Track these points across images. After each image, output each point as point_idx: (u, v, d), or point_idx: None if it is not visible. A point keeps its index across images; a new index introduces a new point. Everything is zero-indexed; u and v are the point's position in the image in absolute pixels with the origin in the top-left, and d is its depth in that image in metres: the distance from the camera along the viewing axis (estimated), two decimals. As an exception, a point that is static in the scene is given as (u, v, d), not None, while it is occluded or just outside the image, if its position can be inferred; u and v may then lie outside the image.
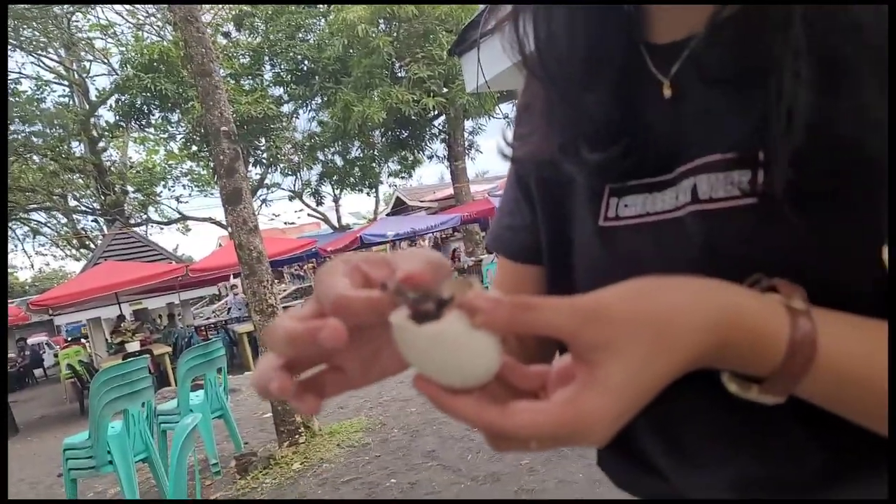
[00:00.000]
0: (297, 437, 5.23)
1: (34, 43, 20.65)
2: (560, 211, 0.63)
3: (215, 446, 5.19)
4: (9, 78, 21.68)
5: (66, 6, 19.71)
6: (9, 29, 19.50)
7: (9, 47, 20.34)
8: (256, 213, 5.73)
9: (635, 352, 0.36)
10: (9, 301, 22.85)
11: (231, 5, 19.59)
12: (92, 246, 23.24)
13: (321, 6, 19.49)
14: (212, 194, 23.79)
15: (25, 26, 19.58)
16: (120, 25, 21.19)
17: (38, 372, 20.96)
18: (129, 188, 22.96)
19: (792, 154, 0.43)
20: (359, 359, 0.44)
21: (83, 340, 18.04)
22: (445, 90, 15.58)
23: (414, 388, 0.39)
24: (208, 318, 19.05)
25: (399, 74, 16.39)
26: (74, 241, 25.25)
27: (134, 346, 10.74)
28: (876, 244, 0.42)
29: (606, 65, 0.55)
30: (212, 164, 19.77)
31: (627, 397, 0.36)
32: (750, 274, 0.46)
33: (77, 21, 21.01)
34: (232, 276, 17.56)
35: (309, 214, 25.95)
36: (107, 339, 14.16)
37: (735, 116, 0.48)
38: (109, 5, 20.04)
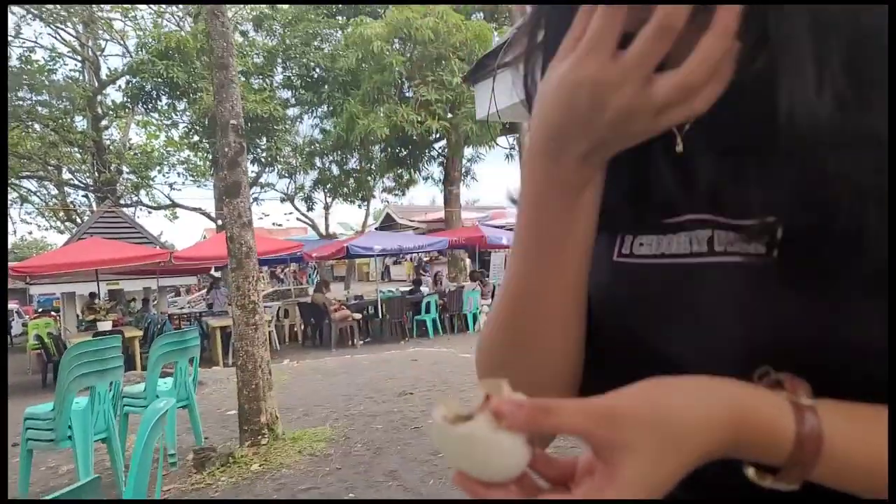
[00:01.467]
0: (259, 437, 5.22)
1: (54, 15, 20.71)
2: None
3: (175, 437, 5.16)
4: (23, 46, 21.68)
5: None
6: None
7: (29, 17, 20.40)
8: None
9: (647, 452, 0.39)
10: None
11: (254, 6, 19.81)
12: (78, 221, 23.06)
13: (340, 18, 19.75)
14: (205, 186, 23.77)
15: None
16: (141, 10, 21.30)
17: (2, 339, 20.60)
18: (125, 168, 22.90)
19: (807, 225, 0.45)
20: None
21: (53, 313, 17.81)
22: (450, 115, 15.78)
23: (452, 483, 0.43)
24: (182, 308, 18.89)
25: (407, 94, 16.58)
26: (62, 214, 25.05)
27: (106, 325, 10.66)
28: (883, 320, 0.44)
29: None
30: (210, 156, 19.83)
31: (642, 491, 0.39)
32: (754, 329, 0.48)
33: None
34: (213, 269, 17.48)
35: (298, 218, 25.98)
36: (78, 315, 14.00)
37: (746, 180, 0.49)
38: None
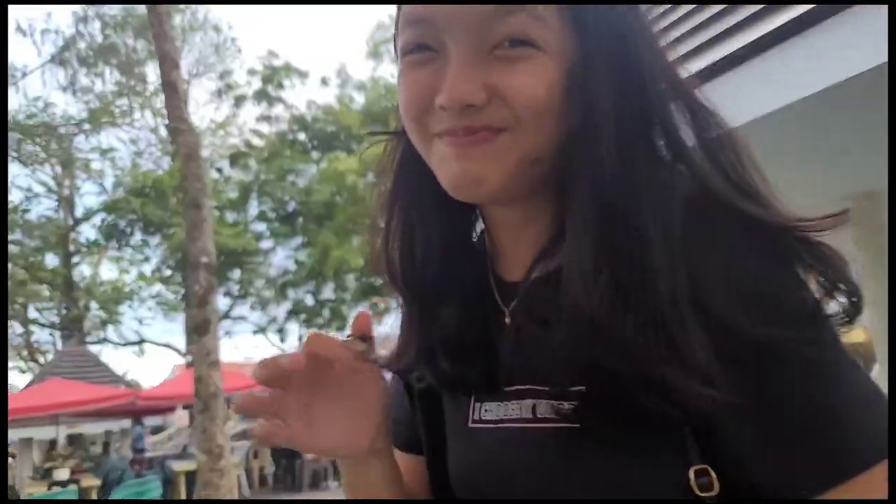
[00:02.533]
0: None
1: (33, 157, 21.25)
2: (434, 409, 0.72)
3: None
4: (-3, 185, 22.02)
5: (70, 128, 20.55)
6: (14, 142, 20.15)
7: (8, 159, 20.88)
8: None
9: None
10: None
11: (228, 143, 20.59)
12: (42, 360, 22.34)
13: (314, 153, 20.57)
14: (175, 321, 23.43)
15: (29, 141, 20.25)
16: (119, 150, 22.00)
17: (-52, 492, 19.16)
18: (94, 305, 22.58)
19: (609, 394, 0.51)
20: (300, 419, 0.62)
21: (9, 460, 16.75)
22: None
23: None
24: (144, 452, 17.93)
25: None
26: (25, 353, 24.28)
27: (63, 473, 10.04)
28: (683, 469, 0.50)
29: (458, 289, 0.65)
30: (181, 291, 19.76)
31: None
32: (568, 487, 0.55)
33: (80, 143, 21.84)
34: (180, 408, 16.83)
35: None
36: (34, 463, 13.20)
37: (560, 352, 0.53)
38: (109, 127, 20.91)
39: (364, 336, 0.65)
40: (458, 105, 0.53)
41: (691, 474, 0.50)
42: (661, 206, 0.52)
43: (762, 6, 2.02)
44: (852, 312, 0.53)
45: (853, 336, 0.56)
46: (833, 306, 0.53)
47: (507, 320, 0.63)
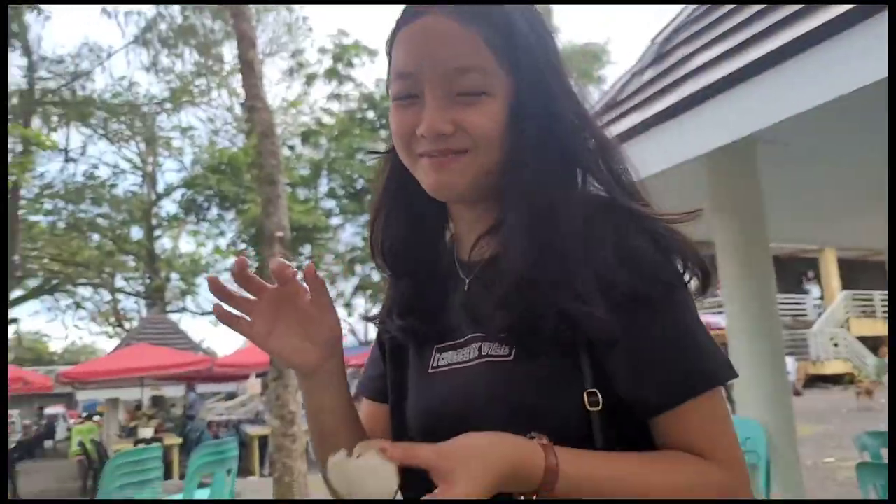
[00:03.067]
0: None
1: (119, 134, 22.39)
2: (400, 363, 0.92)
3: (210, 550, 5.07)
4: (88, 163, 23.36)
5: (153, 107, 21.48)
6: (101, 120, 21.28)
7: (96, 135, 22.10)
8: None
9: (466, 474, 0.63)
10: (36, 369, 23.17)
11: (303, 123, 21.04)
12: (128, 327, 23.74)
13: (383, 132, 20.80)
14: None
15: (115, 120, 21.34)
16: (197, 129, 22.86)
17: (47, 444, 20.75)
18: (174, 276, 23.74)
19: (532, 332, 0.73)
20: (264, 323, 0.81)
21: (97, 418, 17.97)
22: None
23: None
24: (221, 415, 18.85)
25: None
26: (113, 319, 25.84)
27: (147, 432, 10.72)
28: (580, 392, 0.72)
29: (428, 266, 0.90)
30: (255, 265, 20.46)
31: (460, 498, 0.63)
32: (507, 403, 0.76)
33: (161, 121, 22.84)
34: (253, 376, 17.58)
35: (339, 324, 26.11)
36: (120, 422, 14.12)
37: (501, 309, 0.75)
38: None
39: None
40: (433, 134, 0.76)
41: (584, 396, 0.72)
42: (572, 206, 0.75)
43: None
44: (703, 285, 0.77)
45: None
46: (693, 282, 0.76)
47: (466, 288, 0.86)
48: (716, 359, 0.73)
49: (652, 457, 0.72)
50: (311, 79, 21.51)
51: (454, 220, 0.92)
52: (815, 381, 17.78)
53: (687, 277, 0.76)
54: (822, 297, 20.67)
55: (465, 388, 0.81)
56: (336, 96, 21.50)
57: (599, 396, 0.72)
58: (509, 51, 0.76)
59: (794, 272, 21.10)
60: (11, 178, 15.46)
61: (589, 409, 0.72)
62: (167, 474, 10.02)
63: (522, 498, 0.68)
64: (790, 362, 14.17)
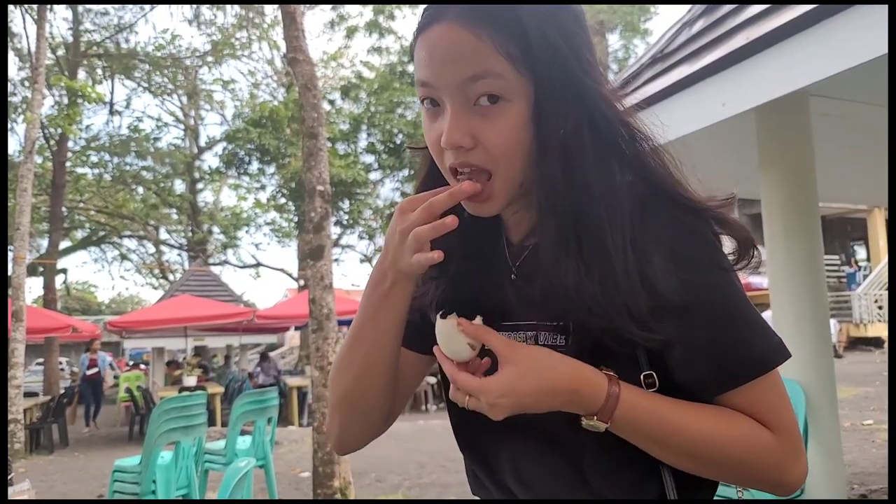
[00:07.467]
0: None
1: (162, 88, 22.55)
2: None
3: (252, 496, 5.17)
4: (132, 116, 23.64)
5: (195, 60, 21.50)
6: (144, 73, 21.43)
7: (140, 89, 22.30)
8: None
9: (520, 368, 0.71)
10: (84, 318, 23.98)
11: (343, 76, 20.86)
12: (171, 278, 24.34)
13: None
14: (288, 246, 24.64)
15: (158, 73, 21.47)
16: (238, 83, 22.85)
17: (96, 390, 21.59)
18: (216, 229, 24.14)
19: (583, 328, 0.75)
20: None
21: (143, 367, 18.61)
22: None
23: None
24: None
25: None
26: (157, 271, 26.53)
27: (191, 381, 11.02)
28: (637, 373, 0.76)
29: (476, 250, 0.90)
30: (295, 219, 20.70)
31: (509, 387, 0.70)
32: None
33: (203, 74, 22.89)
34: (293, 329, 17.90)
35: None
36: (164, 371, 14.56)
37: (556, 300, 0.76)
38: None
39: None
40: (452, 146, 0.76)
41: (641, 377, 0.76)
42: (612, 204, 0.75)
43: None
44: (756, 262, 0.78)
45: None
46: (742, 261, 0.78)
47: (513, 275, 0.87)
48: (768, 343, 0.75)
49: (713, 408, 0.75)
50: (351, 31, 21.22)
51: None
52: (857, 343, 17.26)
53: (734, 258, 0.77)
54: (868, 259, 19.93)
55: None
56: (377, 49, 21.22)
57: (655, 378, 0.75)
58: (525, 52, 0.74)
59: (841, 232, 20.39)
60: (58, 131, 15.73)
61: (646, 389, 0.75)
62: (210, 421, 10.31)
63: (583, 421, 0.73)
64: (832, 324, 13.75)
